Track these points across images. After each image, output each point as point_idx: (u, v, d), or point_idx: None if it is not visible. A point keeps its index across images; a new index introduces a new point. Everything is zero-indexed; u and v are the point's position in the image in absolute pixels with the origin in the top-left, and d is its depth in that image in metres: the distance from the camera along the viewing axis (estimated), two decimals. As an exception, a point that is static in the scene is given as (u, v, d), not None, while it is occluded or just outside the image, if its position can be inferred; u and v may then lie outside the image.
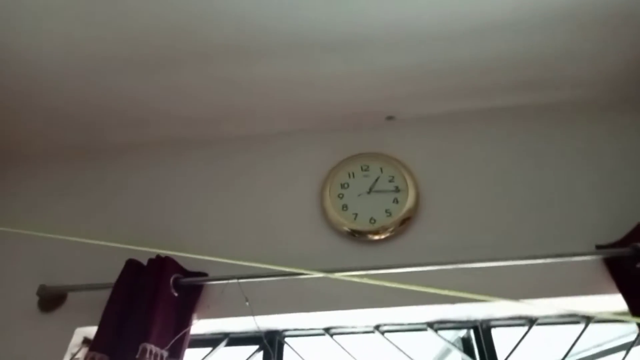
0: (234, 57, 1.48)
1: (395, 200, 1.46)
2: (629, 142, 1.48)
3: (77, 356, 1.32)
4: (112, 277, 1.30)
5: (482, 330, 1.28)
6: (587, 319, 1.23)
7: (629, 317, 1.10)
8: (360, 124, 1.71)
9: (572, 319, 1.23)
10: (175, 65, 1.51)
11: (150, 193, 1.66)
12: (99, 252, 1.34)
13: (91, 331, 1.32)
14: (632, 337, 1.19)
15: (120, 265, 1.32)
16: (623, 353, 1.19)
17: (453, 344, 1.30)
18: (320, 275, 1.19)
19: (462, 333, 1.33)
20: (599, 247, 1.24)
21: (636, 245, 1.14)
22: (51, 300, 1.40)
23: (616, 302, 1.14)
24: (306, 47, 1.44)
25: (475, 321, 1.30)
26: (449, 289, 1.08)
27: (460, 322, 1.31)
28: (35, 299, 1.39)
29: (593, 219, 1.33)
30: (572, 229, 1.32)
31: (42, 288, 1.39)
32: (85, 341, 1.35)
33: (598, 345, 1.30)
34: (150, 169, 1.73)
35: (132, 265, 1.31)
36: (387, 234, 1.40)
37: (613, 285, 1.16)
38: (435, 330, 1.30)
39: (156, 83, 1.57)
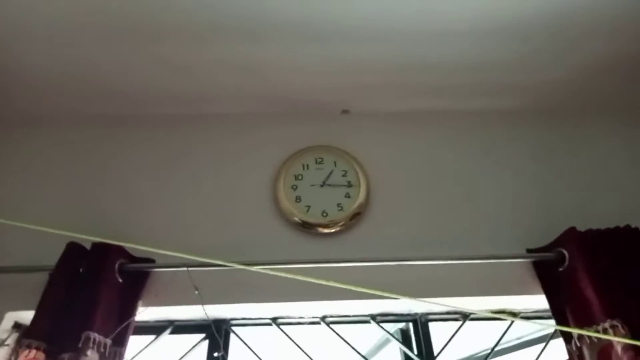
0: (185, 38, 1.43)
1: (347, 195, 1.49)
2: (565, 152, 1.62)
3: (7, 342, 1.24)
4: (47, 260, 1.24)
5: (421, 323, 1.37)
6: (513, 316, 1.34)
7: (550, 323, 1.23)
8: (316, 116, 1.72)
9: (500, 315, 1.34)
10: (124, 42, 1.44)
11: (93, 175, 1.57)
12: (32, 234, 1.24)
13: (23, 316, 1.26)
14: (551, 330, 1.33)
15: (56, 249, 1.25)
16: (541, 345, 1.33)
17: (392, 335, 1.38)
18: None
19: (401, 325, 1.41)
20: (529, 250, 1.36)
21: (560, 250, 1.26)
22: (-24, 282, 1.30)
23: (542, 301, 1.26)
24: (263, 31, 1.42)
25: (415, 315, 1.39)
26: (384, 285, 1.14)
27: (401, 315, 1.39)
28: (-44, 280, 1.29)
29: (527, 224, 1.45)
30: (508, 232, 1.43)
31: (-35, 269, 1.29)
32: (16, 326, 1.27)
33: (518, 339, 1.44)
34: (99, 149, 1.64)
35: (73, 249, 1.25)
36: (338, 228, 1.44)
37: (539, 286, 1.28)
38: (378, 323, 1.37)
39: (105, 57, 1.49)
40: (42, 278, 1.22)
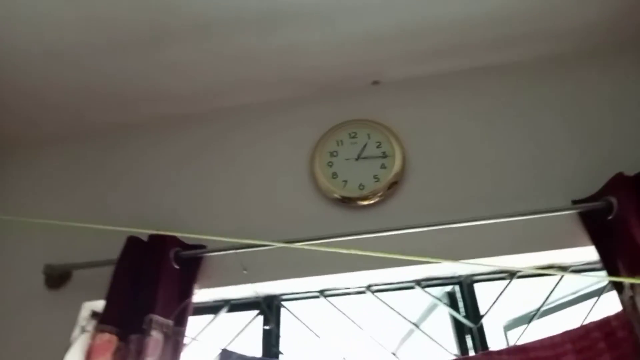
0: (216, 29, 1.50)
1: (383, 166, 1.50)
2: (605, 95, 1.52)
3: (87, 329, 1.40)
4: (114, 254, 1.35)
5: (466, 285, 1.37)
6: (562, 271, 1.31)
7: (600, 274, 1.19)
8: (347, 90, 1.74)
9: (548, 270, 1.31)
10: (159, 42, 1.53)
11: (144, 172, 1.71)
12: (100, 232, 1.37)
13: (98, 305, 1.39)
14: (604, 284, 1.28)
15: (121, 243, 1.37)
16: (595, 299, 1.29)
17: (439, 299, 1.39)
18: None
19: (448, 288, 1.42)
20: (575, 201, 1.30)
21: (608, 198, 1.19)
22: (57, 278, 1.47)
23: (593, 253, 1.22)
24: (284, 15, 1.46)
25: (459, 277, 1.39)
26: (427, 250, 1.17)
27: (445, 278, 1.40)
28: (42, 277, 1.46)
29: (571, 174, 1.38)
30: (550, 184, 1.37)
31: (48, 267, 1.45)
32: (94, 315, 1.43)
33: (573, 293, 1.39)
34: (142, 148, 1.78)
35: (133, 242, 1.37)
36: (377, 199, 1.45)
37: (587, 238, 1.24)
38: (423, 288, 1.38)
39: (142, 61, 1.60)
40: (110, 270, 1.35)
